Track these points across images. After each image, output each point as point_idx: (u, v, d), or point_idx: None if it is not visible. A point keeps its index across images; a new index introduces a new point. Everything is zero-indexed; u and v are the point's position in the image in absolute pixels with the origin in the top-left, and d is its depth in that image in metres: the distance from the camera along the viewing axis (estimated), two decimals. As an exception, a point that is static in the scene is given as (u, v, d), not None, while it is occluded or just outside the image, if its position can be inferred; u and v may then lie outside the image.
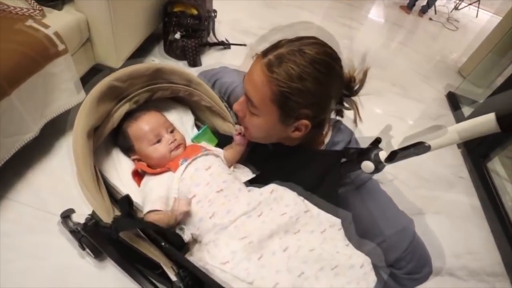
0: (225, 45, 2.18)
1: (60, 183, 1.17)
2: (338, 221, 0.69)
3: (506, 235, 1.45)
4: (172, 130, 0.75)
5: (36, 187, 1.15)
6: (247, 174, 0.80)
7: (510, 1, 2.62)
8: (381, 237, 0.73)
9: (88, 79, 1.28)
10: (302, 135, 0.66)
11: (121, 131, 0.73)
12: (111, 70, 1.50)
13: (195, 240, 0.66)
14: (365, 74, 0.66)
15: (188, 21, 1.80)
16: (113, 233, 0.52)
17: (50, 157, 1.24)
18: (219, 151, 0.78)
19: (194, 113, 0.87)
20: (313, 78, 0.57)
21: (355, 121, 0.69)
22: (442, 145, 0.50)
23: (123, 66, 1.46)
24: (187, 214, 0.63)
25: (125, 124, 0.73)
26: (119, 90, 0.66)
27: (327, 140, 0.76)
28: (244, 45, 2.23)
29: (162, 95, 0.76)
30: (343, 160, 0.67)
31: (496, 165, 1.88)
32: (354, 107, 0.69)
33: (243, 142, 0.77)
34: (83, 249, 0.93)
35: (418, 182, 1.63)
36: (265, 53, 0.62)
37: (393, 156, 0.55)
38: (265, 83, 0.59)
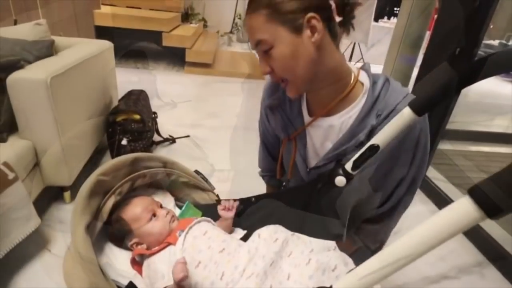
0: (170, 140, 2.30)
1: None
2: (332, 243, 0.74)
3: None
4: (161, 206, 0.78)
5: None
6: (240, 233, 0.83)
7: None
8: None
9: (38, 204, 1.23)
10: (321, 35, 0.63)
11: (116, 219, 0.72)
12: (63, 190, 1.47)
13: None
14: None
15: (133, 126, 1.90)
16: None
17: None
18: (208, 219, 0.81)
19: (173, 194, 0.90)
20: None
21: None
22: (385, 141, 0.63)
23: (76, 182, 1.46)
24: (189, 279, 0.63)
25: (118, 212, 0.73)
26: (105, 184, 0.69)
27: (364, 79, 0.73)
28: (188, 136, 2.38)
29: (142, 182, 0.79)
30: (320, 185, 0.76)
31: (432, 173, 2.18)
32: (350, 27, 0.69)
33: (229, 215, 0.82)
34: None
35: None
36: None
37: (357, 164, 0.67)
38: (255, 18, 0.63)
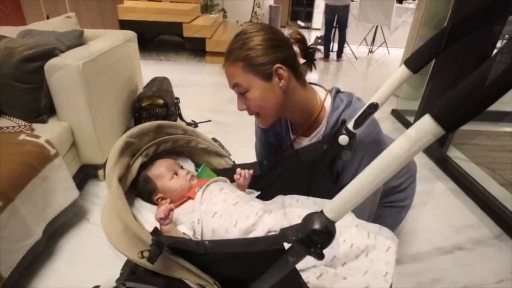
0: (193, 125, 2.41)
1: (72, 282, 1.15)
2: None
3: (488, 202, 1.61)
4: (182, 167, 0.87)
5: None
6: (254, 193, 0.91)
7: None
8: None
9: (77, 181, 1.38)
10: (288, 81, 0.77)
11: (143, 177, 0.83)
12: (97, 168, 1.61)
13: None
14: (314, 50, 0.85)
15: (157, 110, 2.02)
16: (157, 251, 0.59)
17: (54, 260, 1.23)
18: (224, 178, 0.89)
19: (192, 160, 0.99)
20: (253, 39, 0.75)
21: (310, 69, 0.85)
22: (383, 99, 0.68)
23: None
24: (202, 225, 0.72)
25: (145, 171, 0.83)
26: (133, 146, 0.79)
27: (328, 104, 0.86)
28: (209, 121, 2.48)
29: (165, 148, 0.88)
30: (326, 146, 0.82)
31: (454, 152, 2.16)
32: (312, 66, 0.85)
33: (244, 183, 0.89)
34: None
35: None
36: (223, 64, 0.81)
37: (359, 121, 0.72)
38: (233, 68, 0.77)
